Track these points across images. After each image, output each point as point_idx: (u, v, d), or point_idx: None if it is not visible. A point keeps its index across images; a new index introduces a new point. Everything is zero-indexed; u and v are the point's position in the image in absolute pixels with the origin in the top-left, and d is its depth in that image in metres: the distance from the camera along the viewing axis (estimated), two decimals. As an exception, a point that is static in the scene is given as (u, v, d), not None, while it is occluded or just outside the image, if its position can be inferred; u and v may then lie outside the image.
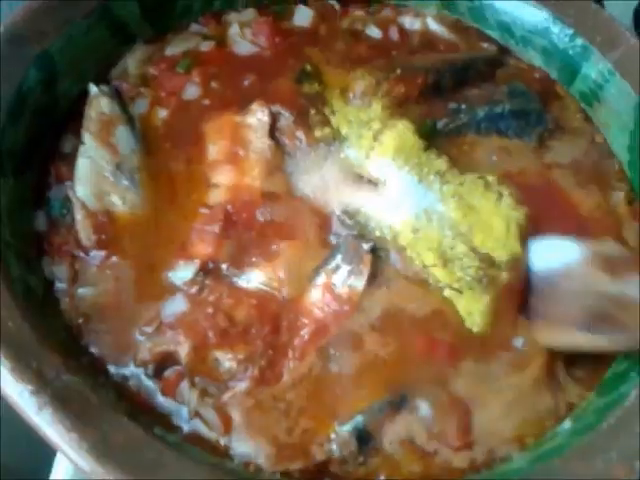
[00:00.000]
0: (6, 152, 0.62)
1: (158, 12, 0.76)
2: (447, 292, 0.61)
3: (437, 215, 0.64)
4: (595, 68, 0.76)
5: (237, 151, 0.67)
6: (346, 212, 0.64)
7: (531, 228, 0.65)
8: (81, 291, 0.59)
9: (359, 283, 0.59)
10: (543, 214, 0.67)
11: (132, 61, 0.74)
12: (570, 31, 0.77)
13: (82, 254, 0.61)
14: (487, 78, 0.79)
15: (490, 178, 0.68)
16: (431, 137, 0.71)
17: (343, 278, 0.59)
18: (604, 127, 0.76)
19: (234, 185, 0.65)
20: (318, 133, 0.68)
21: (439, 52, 0.81)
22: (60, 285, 0.60)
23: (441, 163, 0.68)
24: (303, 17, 0.81)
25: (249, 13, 0.81)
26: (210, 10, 0.80)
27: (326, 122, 0.70)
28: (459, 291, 0.61)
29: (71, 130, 0.69)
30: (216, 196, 0.65)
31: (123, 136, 0.67)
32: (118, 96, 0.70)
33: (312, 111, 0.70)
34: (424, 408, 0.55)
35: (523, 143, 0.74)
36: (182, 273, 0.60)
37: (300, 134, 0.68)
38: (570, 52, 0.77)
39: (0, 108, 0.62)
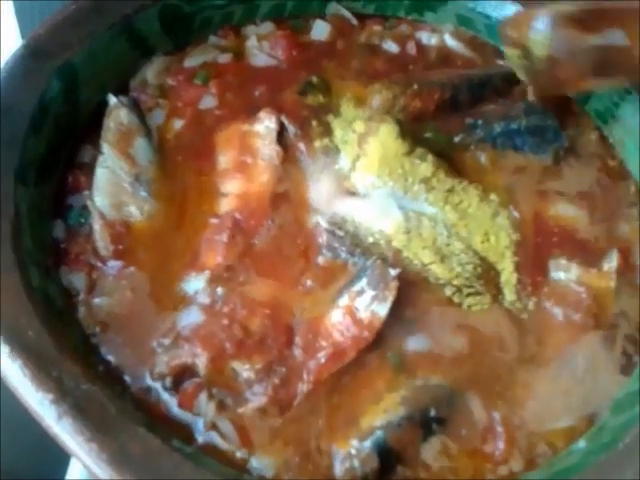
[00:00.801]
0: (28, 161, 0.63)
1: (178, 26, 0.77)
2: (448, 290, 0.62)
3: (428, 216, 0.65)
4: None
5: (245, 159, 0.68)
6: (334, 223, 0.64)
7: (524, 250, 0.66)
8: (97, 301, 0.60)
9: (382, 310, 0.58)
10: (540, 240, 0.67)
11: (151, 72, 0.75)
12: (586, 49, 0.77)
13: (99, 264, 0.62)
14: (503, 94, 0.79)
15: (492, 196, 0.68)
16: (448, 151, 0.71)
17: (366, 303, 0.58)
18: (619, 145, 0.77)
19: (243, 193, 0.66)
20: (317, 144, 0.69)
21: (456, 68, 0.82)
22: (77, 294, 0.60)
23: (426, 168, 0.67)
24: (320, 31, 0.82)
25: (267, 26, 0.82)
26: (229, 23, 0.81)
27: (326, 133, 0.70)
28: (459, 289, 0.62)
29: (89, 140, 0.69)
30: (225, 205, 0.65)
31: (141, 147, 0.68)
32: (136, 107, 0.71)
33: (314, 122, 0.70)
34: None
35: (538, 159, 0.74)
36: (194, 284, 0.60)
37: (301, 145, 0.69)
38: (586, 70, 0.78)
39: (23, 118, 0.63)
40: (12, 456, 0.75)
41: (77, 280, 0.61)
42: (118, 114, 0.69)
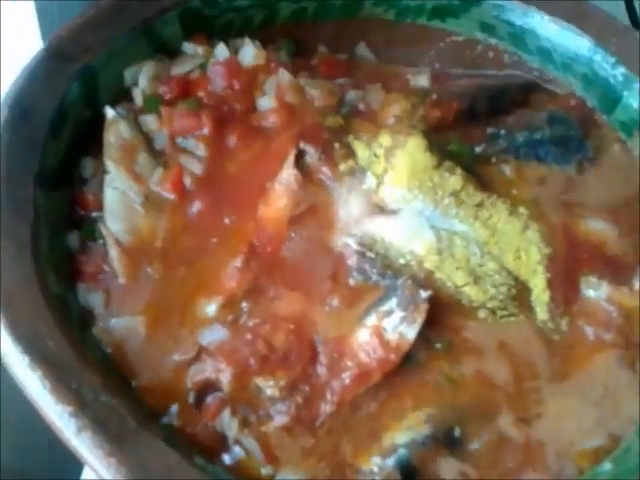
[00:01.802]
0: (48, 165, 0.62)
1: (199, 29, 0.76)
2: (482, 313, 0.61)
3: (460, 235, 0.64)
4: (637, 97, 0.75)
5: (264, 183, 0.66)
6: (364, 244, 0.63)
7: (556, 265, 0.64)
8: (115, 321, 0.59)
9: (411, 332, 0.57)
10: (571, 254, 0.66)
11: (143, 80, 0.72)
12: (612, 59, 0.76)
13: (117, 286, 0.61)
14: (521, 104, 0.78)
15: (521, 209, 0.67)
16: (469, 161, 0.70)
17: (395, 324, 0.57)
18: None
19: (259, 217, 0.64)
20: (342, 167, 0.67)
21: (473, 78, 0.81)
22: (95, 311, 0.59)
23: (455, 181, 0.67)
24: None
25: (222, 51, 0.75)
26: (249, 27, 0.79)
27: (350, 155, 0.68)
28: (493, 311, 0.60)
29: (89, 152, 0.67)
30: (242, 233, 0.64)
31: (146, 163, 0.66)
32: (135, 118, 0.69)
33: (337, 145, 0.68)
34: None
35: (562, 170, 0.73)
36: (208, 308, 0.59)
37: (325, 169, 0.67)
38: (611, 81, 0.77)
39: (44, 122, 0.62)
40: (23, 457, 0.75)
41: (94, 298, 0.60)
42: (118, 128, 0.67)
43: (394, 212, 0.66)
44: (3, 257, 0.53)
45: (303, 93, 0.71)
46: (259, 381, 0.55)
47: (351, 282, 0.61)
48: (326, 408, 0.55)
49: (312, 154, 0.67)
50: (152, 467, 0.46)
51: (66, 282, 0.59)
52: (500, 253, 0.64)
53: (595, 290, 0.63)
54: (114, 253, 0.61)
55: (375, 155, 0.68)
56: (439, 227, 0.64)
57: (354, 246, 0.62)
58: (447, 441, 0.54)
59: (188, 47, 0.75)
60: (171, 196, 0.65)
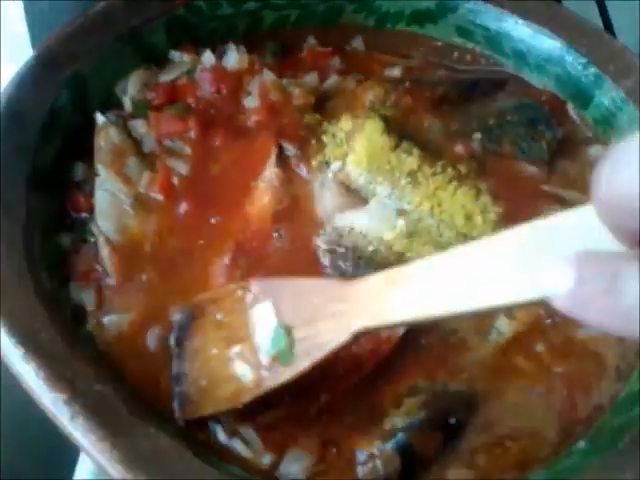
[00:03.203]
0: (39, 168, 0.64)
1: (184, 37, 0.78)
2: None
3: (417, 211, 0.66)
4: (608, 96, 0.78)
5: (249, 183, 0.68)
6: (332, 242, 0.64)
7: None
8: (108, 319, 0.60)
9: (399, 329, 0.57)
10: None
11: (132, 87, 0.74)
12: (583, 60, 0.79)
13: (109, 285, 0.62)
14: (492, 97, 0.81)
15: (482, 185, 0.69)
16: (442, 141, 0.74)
17: None
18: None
19: (245, 215, 0.66)
20: (314, 162, 0.70)
21: (448, 70, 0.85)
22: (87, 309, 0.61)
23: (412, 161, 0.69)
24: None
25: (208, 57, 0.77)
26: (234, 35, 0.81)
27: (321, 149, 0.71)
28: None
29: (79, 157, 0.69)
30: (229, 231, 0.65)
31: (135, 166, 0.68)
32: (124, 123, 0.70)
33: (313, 141, 0.71)
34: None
35: (531, 166, 0.75)
36: None
37: (302, 165, 0.69)
38: (583, 80, 0.79)
39: (35, 126, 0.64)
40: (16, 457, 0.75)
41: (86, 297, 0.61)
42: (108, 133, 0.68)
43: (365, 203, 0.68)
44: (-5, 255, 0.54)
45: (285, 92, 0.73)
46: None
47: None
48: (321, 398, 0.56)
49: (291, 151, 0.70)
50: (144, 451, 0.47)
51: (59, 281, 0.60)
52: (450, 219, 0.66)
53: None
54: (105, 252, 0.63)
55: (336, 138, 0.71)
56: (406, 210, 0.66)
57: (323, 246, 0.64)
58: (443, 426, 0.56)
59: (175, 55, 0.77)
60: (159, 197, 0.67)
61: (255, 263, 0.63)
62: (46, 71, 0.68)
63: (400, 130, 0.72)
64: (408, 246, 0.64)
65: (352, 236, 0.65)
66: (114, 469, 0.46)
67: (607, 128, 0.79)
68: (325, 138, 0.71)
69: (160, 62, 0.77)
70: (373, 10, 0.86)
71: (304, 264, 0.64)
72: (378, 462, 0.53)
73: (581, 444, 0.57)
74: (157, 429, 0.49)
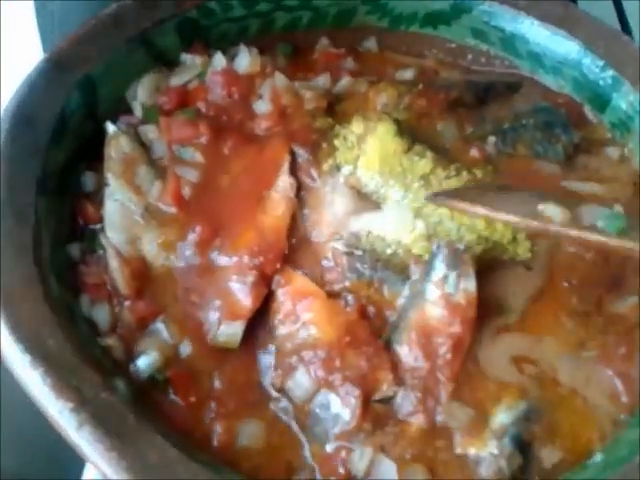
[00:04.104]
0: (50, 172, 0.64)
1: (196, 39, 0.78)
2: None
3: (437, 214, 0.65)
4: (626, 99, 0.76)
5: (261, 192, 0.67)
6: (350, 245, 0.64)
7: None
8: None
9: (471, 284, 0.58)
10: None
11: (142, 92, 0.73)
12: (601, 62, 0.78)
13: (121, 300, 0.62)
14: (506, 100, 0.80)
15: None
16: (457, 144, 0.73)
17: (455, 284, 0.58)
18: (634, 157, 0.76)
19: (259, 226, 0.65)
20: (325, 167, 0.68)
21: (463, 71, 0.84)
22: (100, 324, 0.60)
23: (425, 164, 0.68)
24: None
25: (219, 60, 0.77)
26: (245, 37, 0.81)
27: (332, 152, 0.69)
28: None
29: (90, 166, 0.69)
30: (242, 240, 0.64)
31: (146, 176, 0.67)
32: (135, 132, 0.70)
33: (324, 145, 0.70)
34: None
35: (549, 164, 0.74)
36: (229, 331, 0.60)
37: (312, 171, 0.68)
38: (600, 83, 0.78)
39: (46, 129, 0.64)
40: (23, 458, 0.75)
41: (98, 312, 0.61)
42: (119, 142, 0.68)
43: (378, 207, 0.67)
44: (4, 258, 0.54)
45: (297, 95, 0.73)
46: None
47: (346, 283, 0.63)
48: (445, 389, 0.56)
49: (302, 156, 0.69)
50: (152, 461, 0.46)
51: (72, 292, 0.60)
52: (471, 222, 0.65)
53: None
54: (114, 263, 0.62)
55: (347, 141, 0.70)
56: (425, 213, 0.65)
57: (341, 248, 0.64)
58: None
59: (186, 57, 0.77)
60: (171, 209, 0.66)
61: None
62: (57, 74, 0.68)
63: (412, 133, 0.71)
64: (427, 248, 0.63)
65: (370, 239, 0.64)
66: (121, 479, 0.45)
67: (624, 132, 0.77)
68: (337, 142, 0.70)
69: (171, 65, 0.77)
70: (386, 12, 0.85)
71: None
72: (502, 462, 0.53)
73: (598, 457, 0.56)
74: (163, 438, 0.48)
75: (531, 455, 0.54)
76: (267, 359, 0.60)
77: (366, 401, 0.55)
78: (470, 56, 0.86)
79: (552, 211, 0.63)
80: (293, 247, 0.65)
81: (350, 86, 0.77)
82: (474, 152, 0.73)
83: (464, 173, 0.69)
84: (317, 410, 0.56)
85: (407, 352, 0.58)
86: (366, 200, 0.68)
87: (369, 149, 0.68)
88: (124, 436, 0.47)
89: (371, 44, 0.86)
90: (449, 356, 0.57)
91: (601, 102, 0.79)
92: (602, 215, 0.63)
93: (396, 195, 0.67)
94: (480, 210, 0.63)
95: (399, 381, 0.57)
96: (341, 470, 0.54)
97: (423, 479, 0.54)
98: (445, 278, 0.58)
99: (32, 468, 0.74)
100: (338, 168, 0.69)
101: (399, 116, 0.73)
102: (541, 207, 0.63)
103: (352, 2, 0.84)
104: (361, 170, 0.68)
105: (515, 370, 0.59)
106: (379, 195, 0.68)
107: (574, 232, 0.61)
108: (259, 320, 0.62)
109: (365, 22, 0.86)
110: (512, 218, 0.63)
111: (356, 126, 0.71)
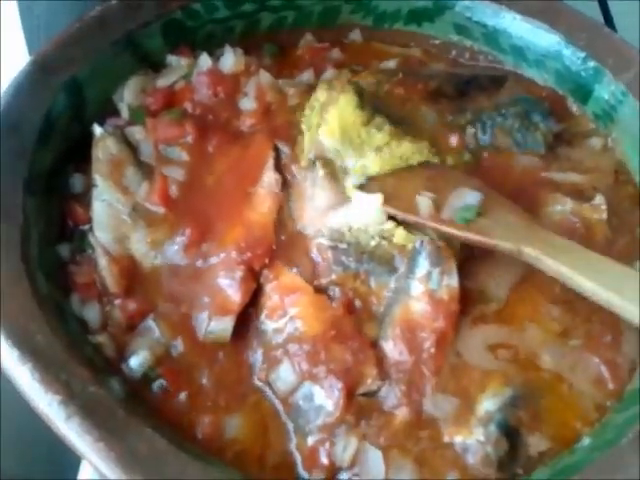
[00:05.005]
0: (37, 173, 0.64)
1: (181, 41, 0.78)
2: None
3: None
4: (608, 90, 0.77)
5: (247, 188, 0.67)
6: (334, 239, 0.64)
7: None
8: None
9: (454, 280, 0.59)
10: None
11: (128, 94, 0.74)
12: (582, 54, 0.78)
13: (111, 298, 0.62)
14: (489, 93, 0.81)
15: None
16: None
17: (438, 280, 0.59)
18: (618, 146, 0.77)
19: (245, 222, 0.65)
20: (303, 162, 0.69)
21: (449, 63, 0.85)
22: (91, 323, 0.61)
23: (382, 137, 0.69)
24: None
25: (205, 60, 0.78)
26: (230, 38, 0.81)
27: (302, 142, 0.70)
28: None
29: (77, 168, 0.69)
30: (230, 235, 0.65)
31: (133, 176, 0.68)
32: (122, 134, 0.70)
33: (299, 138, 0.70)
34: None
35: (531, 157, 0.74)
36: (219, 326, 0.61)
37: (293, 166, 0.69)
38: (582, 74, 0.79)
39: (32, 131, 0.64)
40: (23, 458, 0.76)
41: (88, 311, 0.61)
42: (106, 144, 0.68)
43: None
44: (-9, 256, 0.55)
45: (281, 92, 0.73)
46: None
47: (333, 276, 0.63)
48: (429, 382, 0.57)
49: (285, 152, 0.69)
50: (141, 452, 0.47)
51: (63, 291, 0.61)
52: None
53: (562, 205, 0.68)
54: (103, 262, 0.63)
55: (313, 109, 0.71)
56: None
57: (326, 242, 0.64)
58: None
59: (172, 59, 0.77)
60: (159, 209, 0.66)
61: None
62: (43, 76, 0.68)
63: (384, 108, 0.72)
64: (408, 237, 0.63)
65: (354, 232, 0.65)
66: (111, 470, 0.46)
67: (608, 122, 0.78)
68: (303, 126, 0.71)
69: (157, 66, 0.77)
70: (370, 10, 0.86)
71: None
72: (489, 448, 0.54)
73: (585, 441, 0.56)
74: (153, 430, 0.49)
75: (519, 442, 0.55)
76: (256, 353, 0.60)
77: (350, 394, 0.56)
78: (454, 52, 0.86)
79: (422, 203, 0.64)
80: (283, 242, 0.65)
81: (334, 77, 0.77)
82: (453, 139, 0.73)
83: (425, 152, 0.70)
84: (300, 402, 0.57)
85: (392, 347, 0.58)
86: (343, 192, 0.68)
87: (330, 118, 0.69)
88: (113, 428, 0.48)
89: (356, 35, 0.86)
90: (433, 350, 0.58)
91: (583, 93, 0.79)
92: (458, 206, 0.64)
93: (350, 163, 0.68)
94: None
95: (384, 375, 0.57)
96: (324, 461, 0.54)
97: (409, 468, 0.54)
98: (429, 274, 0.60)
99: (32, 468, 0.74)
100: (314, 163, 0.68)
101: (363, 87, 0.74)
102: (417, 198, 0.65)
103: (336, 1, 0.85)
104: (323, 137, 0.69)
105: (492, 357, 0.59)
106: (339, 170, 0.68)
107: (431, 224, 0.63)
108: (247, 315, 0.62)
109: (350, 21, 0.86)
110: (392, 211, 0.64)
111: (320, 94, 0.72)
